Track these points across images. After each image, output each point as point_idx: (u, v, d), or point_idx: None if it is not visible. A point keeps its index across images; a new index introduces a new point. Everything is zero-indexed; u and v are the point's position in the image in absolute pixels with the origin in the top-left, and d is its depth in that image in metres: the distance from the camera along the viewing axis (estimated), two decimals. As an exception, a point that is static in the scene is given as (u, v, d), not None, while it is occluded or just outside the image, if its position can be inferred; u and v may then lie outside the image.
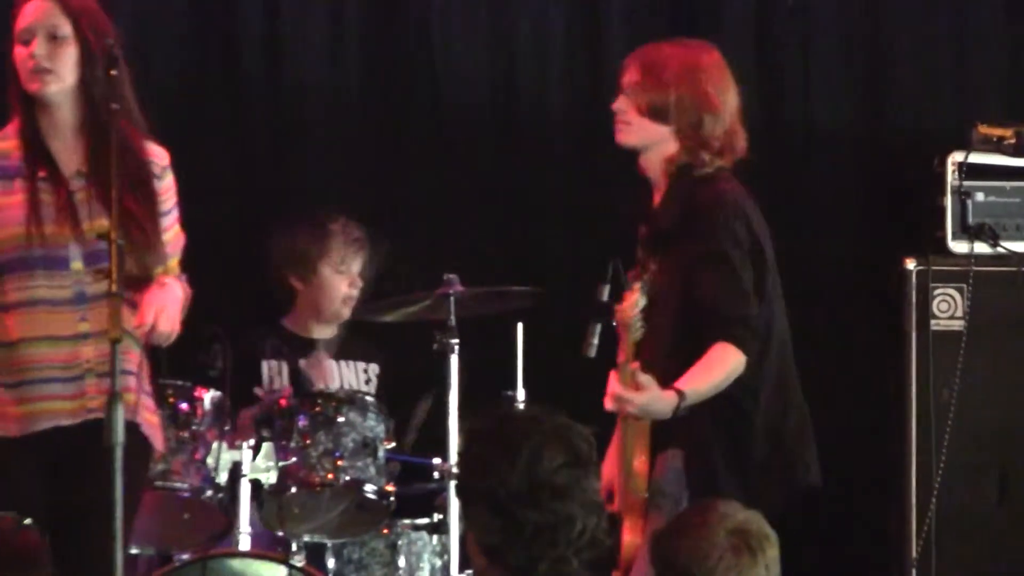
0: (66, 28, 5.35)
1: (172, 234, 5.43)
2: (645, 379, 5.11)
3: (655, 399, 5.12)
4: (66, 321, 5.32)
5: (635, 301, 5.16)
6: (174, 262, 5.41)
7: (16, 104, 5.40)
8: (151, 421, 5.26)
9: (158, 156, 5.44)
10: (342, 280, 6.55)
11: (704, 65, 5.43)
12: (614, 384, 5.17)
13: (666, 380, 5.21)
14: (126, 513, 4.78)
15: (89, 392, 5.27)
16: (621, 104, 5.40)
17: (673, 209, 5.39)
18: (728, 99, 5.41)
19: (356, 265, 6.55)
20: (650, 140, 5.39)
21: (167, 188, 5.44)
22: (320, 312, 6.60)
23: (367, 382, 6.52)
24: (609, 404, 5.18)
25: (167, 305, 5.23)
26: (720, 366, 5.23)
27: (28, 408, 5.29)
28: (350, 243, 6.54)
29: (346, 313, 6.58)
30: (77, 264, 5.33)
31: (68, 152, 5.40)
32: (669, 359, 5.29)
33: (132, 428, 5.06)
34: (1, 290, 5.39)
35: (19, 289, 5.34)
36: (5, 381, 5.33)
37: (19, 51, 5.35)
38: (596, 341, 5.34)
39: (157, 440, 5.39)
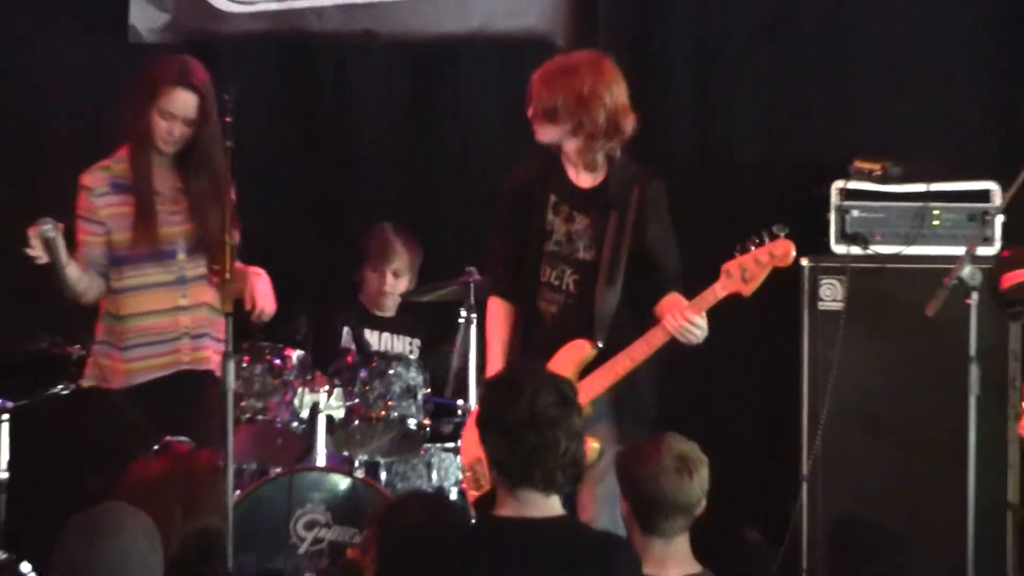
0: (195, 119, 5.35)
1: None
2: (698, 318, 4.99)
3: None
4: (170, 297, 5.39)
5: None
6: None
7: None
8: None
9: None
10: (375, 276, 6.49)
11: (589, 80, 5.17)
12: (689, 316, 4.97)
13: (626, 319, 5.15)
14: (217, 432, 4.87)
15: (183, 350, 5.36)
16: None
17: (616, 184, 5.18)
18: (607, 95, 5.15)
19: (389, 265, 6.45)
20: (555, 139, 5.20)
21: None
22: (373, 298, 6.55)
23: (411, 352, 6.44)
24: (692, 332, 4.98)
25: (268, 290, 5.33)
26: None
27: (131, 365, 5.37)
28: (385, 247, 6.45)
29: (387, 305, 6.52)
30: (181, 256, 5.38)
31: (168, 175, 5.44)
32: (614, 304, 5.13)
33: (209, 376, 5.31)
34: (119, 275, 5.40)
35: (131, 275, 5.39)
36: (117, 343, 5.40)
37: (158, 121, 5.35)
38: None
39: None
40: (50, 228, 5.19)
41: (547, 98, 5.16)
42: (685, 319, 4.98)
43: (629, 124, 5.19)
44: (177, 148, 5.39)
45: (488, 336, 5.31)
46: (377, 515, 4.57)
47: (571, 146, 5.21)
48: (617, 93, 5.18)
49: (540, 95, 5.19)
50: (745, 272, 5.00)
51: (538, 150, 5.30)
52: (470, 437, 5.27)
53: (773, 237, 5.04)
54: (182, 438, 4.78)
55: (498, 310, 5.29)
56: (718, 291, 5.01)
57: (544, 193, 5.23)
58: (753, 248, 5.02)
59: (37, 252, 5.19)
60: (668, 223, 5.27)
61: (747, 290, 5.03)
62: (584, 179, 5.24)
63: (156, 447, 4.66)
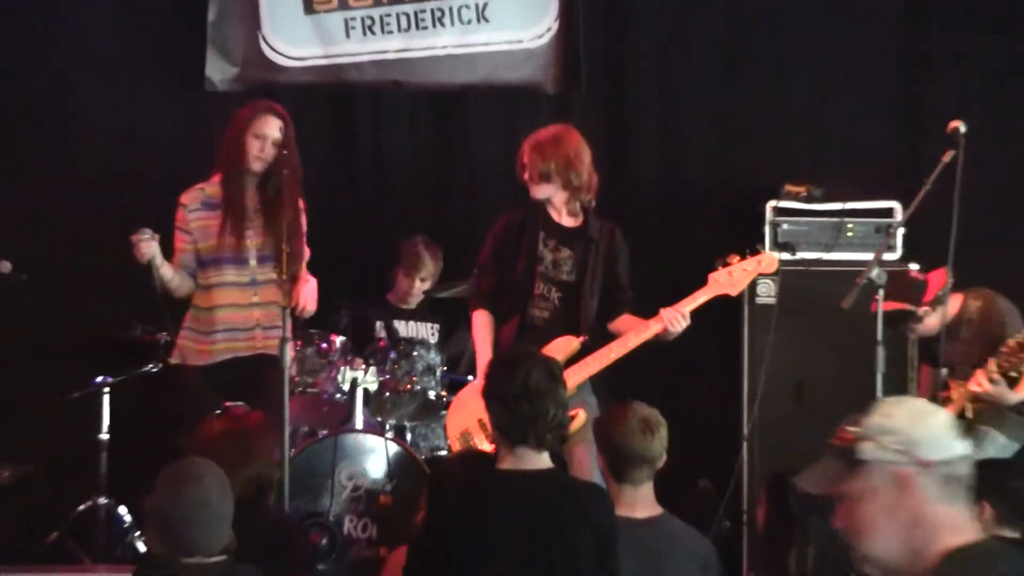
0: (280, 140, 5.32)
1: (304, 249, 5.48)
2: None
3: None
4: (244, 295, 5.37)
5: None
6: (303, 265, 5.42)
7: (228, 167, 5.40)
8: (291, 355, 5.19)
9: (302, 204, 5.45)
10: (406, 281, 6.40)
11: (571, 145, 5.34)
12: (682, 311, 5.14)
13: (593, 326, 5.30)
14: (274, 401, 4.83)
15: (258, 338, 5.34)
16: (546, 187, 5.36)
17: (595, 226, 5.36)
18: (585, 157, 5.34)
19: (418, 273, 6.35)
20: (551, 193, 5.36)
21: (304, 223, 5.44)
22: (400, 296, 6.50)
23: (433, 334, 6.41)
24: (681, 323, 5.15)
25: (312, 294, 5.33)
26: None
27: (213, 347, 5.34)
28: (415, 259, 6.37)
29: (412, 301, 6.44)
30: (253, 263, 5.36)
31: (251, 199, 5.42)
32: (594, 314, 5.32)
33: (276, 361, 5.09)
34: (204, 276, 5.40)
35: (213, 275, 5.37)
36: (200, 329, 5.38)
37: (252, 142, 5.35)
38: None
39: (292, 365, 5.42)
40: (148, 236, 5.23)
41: (541, 164, 5.32)
42: (681, 313, 5.14)
43: (596, 178, 5.40)
44: (264, 167, 5.37)
45: (476, 338, 5.40)
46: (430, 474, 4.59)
47: (560, 198, 5.37)
48: (588, 155, 5.38)
49: (534, 162, 5.34)
50: (733, 278, 5.21)
51: (526, 200, 5.42)
52: (457, 413, 5.39)
53: (754, 252, 5.28)
54: (239, 403, 4.78)
55: (484, 318, 5.40)
56: (707, 293, 5.21)
57: (534, 229, 5.36)
58: (734, 262, 5.23)
59: (138, 255, 5.22)
60: (628, 262, 5.44)
61: (735, 292, 5.28)
62: (567, 220, 5.42)
63: (218, 411, 4.66)
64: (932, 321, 5.55)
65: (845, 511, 2.59)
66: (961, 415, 5.54)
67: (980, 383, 5.39)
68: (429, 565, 3.75)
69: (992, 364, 5.35)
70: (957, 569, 2.47)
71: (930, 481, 2.54)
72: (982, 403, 5.48)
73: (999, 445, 5.51)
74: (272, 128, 5.37)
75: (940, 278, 5.47)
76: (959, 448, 2.58)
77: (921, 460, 2.55)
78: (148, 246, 5.24)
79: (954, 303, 5.59)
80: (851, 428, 2.62)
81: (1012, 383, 5.37)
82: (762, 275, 5.51)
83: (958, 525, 2.53)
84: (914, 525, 2.53)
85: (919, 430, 2.58)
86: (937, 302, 5.48)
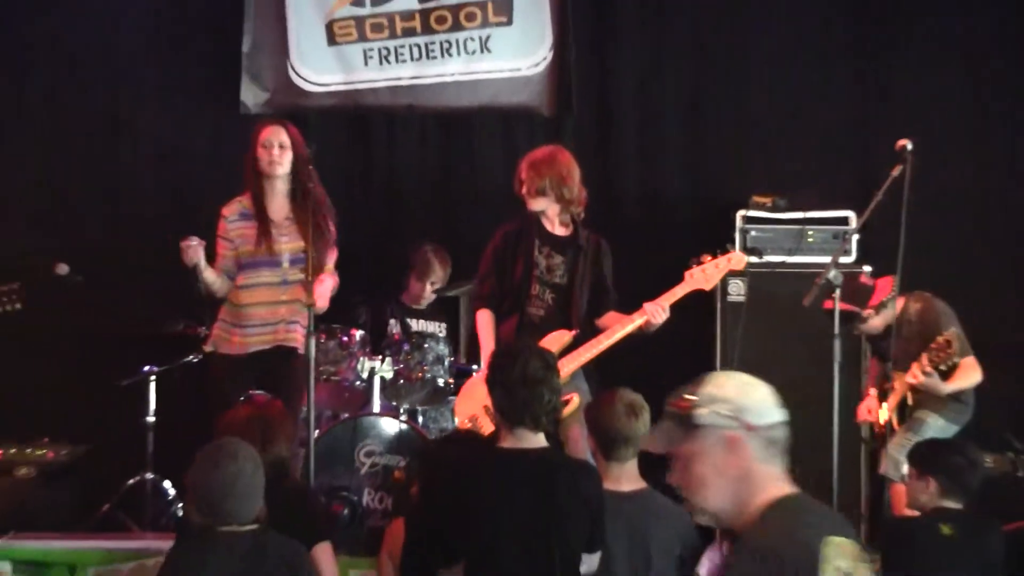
0: (287, 141, 5.34)
1: (331, 251, 5.45)
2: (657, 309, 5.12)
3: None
4: (274, 294, 5.32)
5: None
6: (330, 265, 5.40)
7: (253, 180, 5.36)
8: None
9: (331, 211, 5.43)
10: (419, 285, 6.36)
11: (562, 162, 5.36)
12: (662, 305, 5.12)
13: (583, 322, 5.30)
14: (300, 390, 4.83)
15: (280, 331, 5.30)
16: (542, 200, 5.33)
17: (583, 236, 5.36)
18: (575, 175, 5.35)
19: (429, 278, 6.31)
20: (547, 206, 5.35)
21: (331, 229, 5.41)
22: (413, 298, 6.42)
23: (440, 331, 6.34)
24: (661, 315, 5.13)
25: (325, 292, 5.26)
26: None
27: (246, 340, 5.30)
28: (426, 266, 6.32)
29: (423, 303, 6.39)
30: (285, 265, 5.32)
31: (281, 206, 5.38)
32: (584, 311, 5.31)
33: (295, 352, 5.24)
34: (242, 277, 5.33)
35: (250, 276, 5.33)
36: (235, 323, 5.33)
37: (262, 152, 5.31)
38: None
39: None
40: (196, 242, 5.20)
41: (538, 180, 5.32)
42: (661, 306, 5.12)
43: (585, 192, 5.40)
44: (281, 171, 5.34)
45: (481, 333, 5.39)
46: (421, 452, 4.53)
47: (553, 210, 5.38)
48: (578, 171, 5.39)
49: (531, 178, 5.34)
50: (706, 274, 5.20)
51: (522, 212, 5.42)
52: (465, 401, 5.37)
53: (724, 251, 5.26)
54: (260, 392, 4.75)
55: (487, 316, 5.39)
56: (684, 288, 5.20)
57: (530, 238, 5.36)
58: (707, 260, 5.21)
59: (186, 259, 5.19)
60: (612, 266, 5.43)
61: (709, 286, 5.25)
62: (559, 230, 5.42)
63: (242, 398, 4.62)
64: (875, 322, 5.61)
65: (680, 469, 2.63)
66: (903, 403, 5.58)
67: (916, 376, 5.40)
68: (432, 536, 3.72)
69: (925, 359, 5.35)
70: (777, 515, 2.53)
71: (755, 443, 2.58)
72: (920, 393, 5.50)
73: (938, 428, 5.52)
74: (274, 135, 5.34)
75: (887, 286, 5.50)
76: (778, 415, 2.63)
77: (749, 424, 2.58)
78: (195, 251, 5.22)
79: (897, 304, 5.59)
80: (687, 396, 2.65)
81: (945, 375, 5.38)
82: (732, 272, 5.47)
83: (777, 480, 2.59)
84: (741, 481, 2.58)
85: (746, 399, 2.61)
86: (882, 307, 5.54)
